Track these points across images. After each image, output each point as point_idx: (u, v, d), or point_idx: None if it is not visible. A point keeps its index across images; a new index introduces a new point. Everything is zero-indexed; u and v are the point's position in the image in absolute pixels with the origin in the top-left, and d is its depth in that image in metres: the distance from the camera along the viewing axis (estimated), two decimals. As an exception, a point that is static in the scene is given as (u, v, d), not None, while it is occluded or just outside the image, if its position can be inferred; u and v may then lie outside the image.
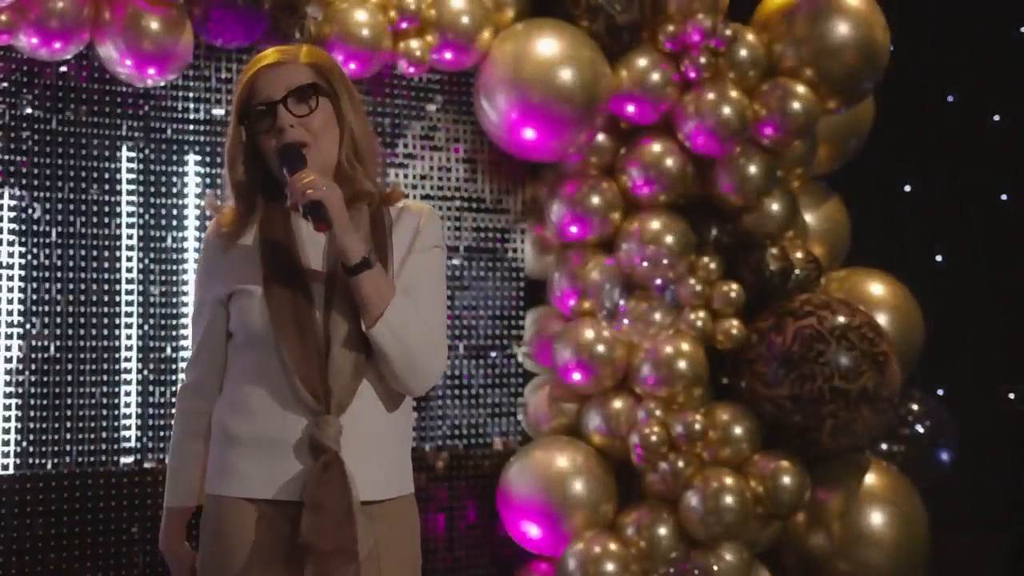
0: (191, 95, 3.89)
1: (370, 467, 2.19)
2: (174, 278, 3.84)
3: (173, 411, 2.40)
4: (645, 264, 4.10)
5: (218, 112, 3.91)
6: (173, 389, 3.82)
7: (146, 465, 3.78)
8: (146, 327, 3.80)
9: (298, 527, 2.12)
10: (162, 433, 3.80)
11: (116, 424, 3.75)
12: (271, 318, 2.16)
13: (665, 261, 4.10)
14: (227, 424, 2.21)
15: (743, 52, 4.32)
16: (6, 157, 3.63)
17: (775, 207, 4.42)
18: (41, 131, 3.68)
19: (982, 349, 5.49)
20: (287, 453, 2.16)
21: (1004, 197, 5.73)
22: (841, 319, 4.17)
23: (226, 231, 2.26)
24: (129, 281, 3.78)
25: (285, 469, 2.16)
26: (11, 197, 3.63)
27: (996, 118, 5.73)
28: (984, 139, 5.68)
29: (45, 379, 3.65)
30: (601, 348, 4.17)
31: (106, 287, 3.75)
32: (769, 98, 4.31)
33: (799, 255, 4.40)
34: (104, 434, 3.73)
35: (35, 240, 3.66)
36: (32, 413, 3.63)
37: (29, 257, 3.65)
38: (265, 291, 2.18)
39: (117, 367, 3.76)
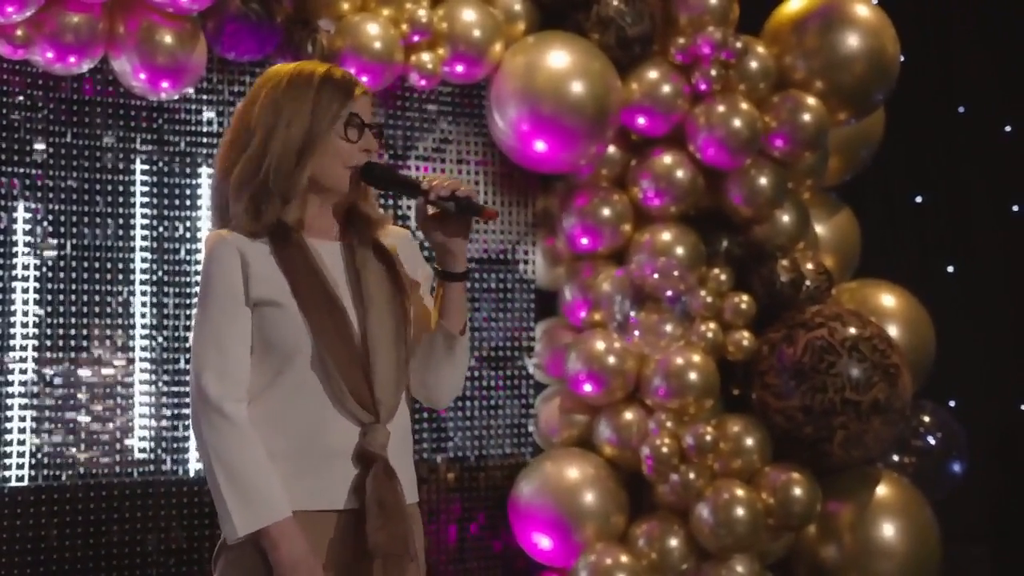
0: (204, 108, 3.91)
1: (403, 473, 2.24)
2: (187, 290, 3.86)
3: (201, 423, 2.14)
4: (656, 276, 4.10)
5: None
6: (186, 401, 3.84)
7: (159, 477, 3.80)
8: (160, 339, 3.82)
9: (349, 535, 2.16)
10: (175, 445, 3.82)
11: (130, 436, 3.77)
12: (313, 331, 2.17)
13: (676, 273, 4.11)
14: (267, 439, 2.17)
15: (754, 64, 4.33)
16: (21, 170, 3.65)
17: (786, 219, 4.42)
18: (56, 144, 3.70)
19: (994, 360, 5.47)
20: (332, 464, 2.18)
21: (1015, 208, 5.72)
22: (852, 330, 4.17)
23: (240, 241, 2.20)
24: (143, 293, 3.81)
25: (332, 479, 2.18)
26: (26, 210, 3.66)
27: (1007, 129, 5.72)
28: (995, 150, 5.67)
29: (59, 391, 3.67)
30: (612, 359, 4.17)
31: (120, 299, 3.78)
32: (780, 110, 4.32)
33: (810, 266, 4.41)
34: (118, 446, 3.75)
35: (49, 252, 3.68)
36: (46, 425, 3.65)
37: (44, 269, 3.67)
38: (300, 304, 2.17)
39: (131, 379, 3.78)
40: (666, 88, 4.26)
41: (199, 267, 3.85)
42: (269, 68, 2.31)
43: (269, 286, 2.18)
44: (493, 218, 2.22)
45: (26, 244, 3.66)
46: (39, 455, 3.63)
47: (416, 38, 3.97)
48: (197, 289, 3.78)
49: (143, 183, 3.83)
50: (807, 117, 4.29)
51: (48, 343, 3.67)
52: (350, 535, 2.18)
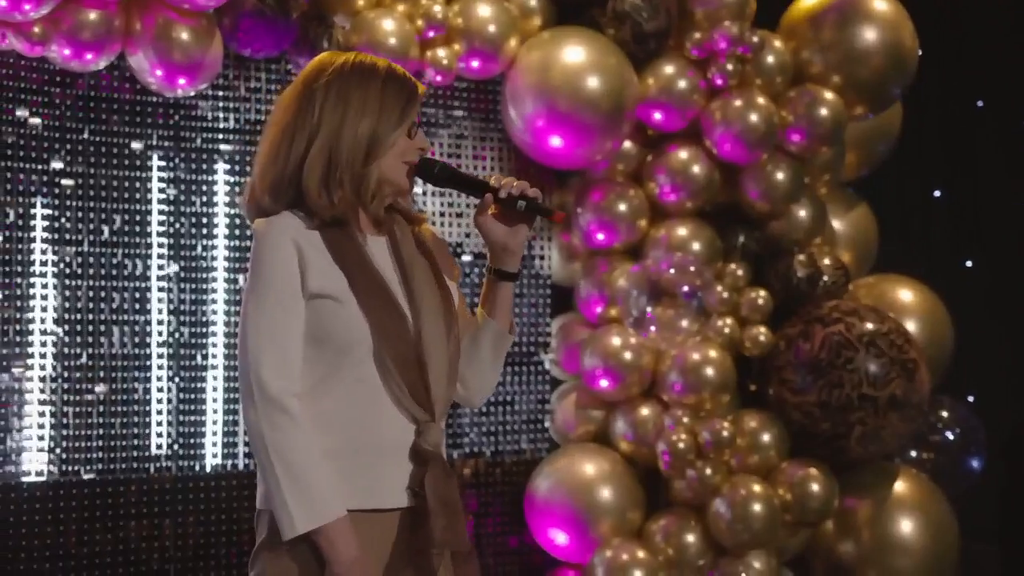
0: (220, 104, 3.92)
1: None
2: (204, 286, 3.87)
3: (260, 418, 2.11)
4: (672, 271, 4.10)
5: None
6: (203, 397, 3.86)
7: (177, 473, 3.81)
8: (177, 335, 3.83)
9: (400, 533, 2.16)
10: (193, 440, 3.84)
11: (147, 432, 3.78)
12: (372, 328, 2.15)
13: (692, 268, 4.10)
14: (321, 436, 2.14)
15: (770, 58, 4.31)
16: (39, 167, 3.67)
17: (802, 214, 4.41)
18: (73, 141, 3.72)
19: (1012, 355, 5.45)
20: (386, 462, 2.17)
21: (1034, 202, 5.69)
22: (869, 326, 4.16)
23: (295, 231, 2.17)
24: (160, 289, 3.82)
25: (386, 478, 2.17)
26: (43, 206, 3.68)
27: (1026, 123, 5.69)
28: (1014, 144, 5.64)
29: (77, 387, 3.69)
30: (628, 355, 4.17)
31: (137, 295, 3.79)
32: (796, 104, 4.30)
33: (827, 262, 4.39)
34: (136, 441, 3.76)
35: (67, 248, 3.70)
36: (65, 421, 3.66)
37: (61, 265, 3.69)
38: (358, 300, 2.15)
39: (148, 375, 3.79)
40: (682, 83, 4.25)
41: (215, 263, 3.89)
42: (320, 55, 2.27)
43: (326, 279, 2.15)
44: (561, 221, 2.20)
45: (44, 240, 3.67)
46: (57, 450, 3.65)
47: (431, 34, 3.97)
48: (213, 284, 3.87)
49: (160, 179, 3.84)
50: (824, 112, 4.28)
51: (66, 339, 3.68)
52: (403, 534, 2.17)
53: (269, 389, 2.12)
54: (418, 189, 4.18)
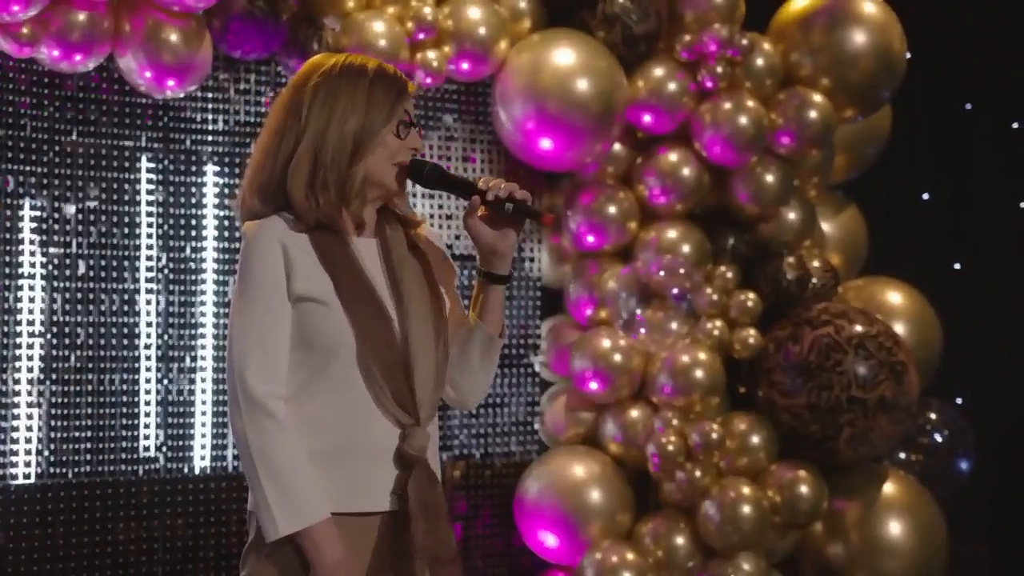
0: (210, 106, 3.92)
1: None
2: (193, 288, 3.87)
3: (244, 420, 2.12)
4: (662, 273, 4.10)
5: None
6: (192, 399, 3.85)
7: (166, 475, 3.81)
8: (165, 337, 3.83)
9: (386, 537, 2.16)
10: (182, 443, 3.83)
11: (136, 434, 3.78)
12: (356, 332, 2.14)
13: (682, 270, 4.10)
14: (306, 439, 2.15)
15: (760, 61, 4.32)
16: (27, 168, 3.66)
17: (792, 216, 4.42)
18: (62, 142, 3.71)
19: (1001, 357, 5.46)
20: (372, 465, 2.17)
21: (1022, 205, 5.70)
22: (859, 328, 4.17)
23: (282, 233, 2.17)
24: (149, 291, 3.81)
25: (371, 481, 2.17)
26: (32, 207, 3.67)
27: (1015, 125, 5.71)
28: (1002, 147, 5.66)
29: (65, 388, 3.68)
30: (618, 357, 4.17)
31: (126, 297, 3.78)
32: (786, 107, 4.31)
33: (816, 264, 4.40)
34: (124, 443, 3.76)
35: (55, 250, 3.69)
36: (53, 423, 3.66)
37: (50, 267, 3.68)
38: (343, 304, 2.15)
39: (136, 376, 3.79)
40: (672, 86, 4.25)
41: (204, 264, 3.88)
42: (313, 58, 2.27)
43: (312, 282, 2.15)
44: (550, 223, 2.20)
45: (32, 242, 3.66)
46: (46, 452, 3.64)
47: (421, 36, 3.97)
48: (202, 287, 3.86)
49: (149, 181, 3.83)
50: (813, 114, 4.29)
51: (54, 340, 3.67)
52: (388, 537, 2.17)
53: (254, 393, 2.12)
54: (408, 191, 4.18)
